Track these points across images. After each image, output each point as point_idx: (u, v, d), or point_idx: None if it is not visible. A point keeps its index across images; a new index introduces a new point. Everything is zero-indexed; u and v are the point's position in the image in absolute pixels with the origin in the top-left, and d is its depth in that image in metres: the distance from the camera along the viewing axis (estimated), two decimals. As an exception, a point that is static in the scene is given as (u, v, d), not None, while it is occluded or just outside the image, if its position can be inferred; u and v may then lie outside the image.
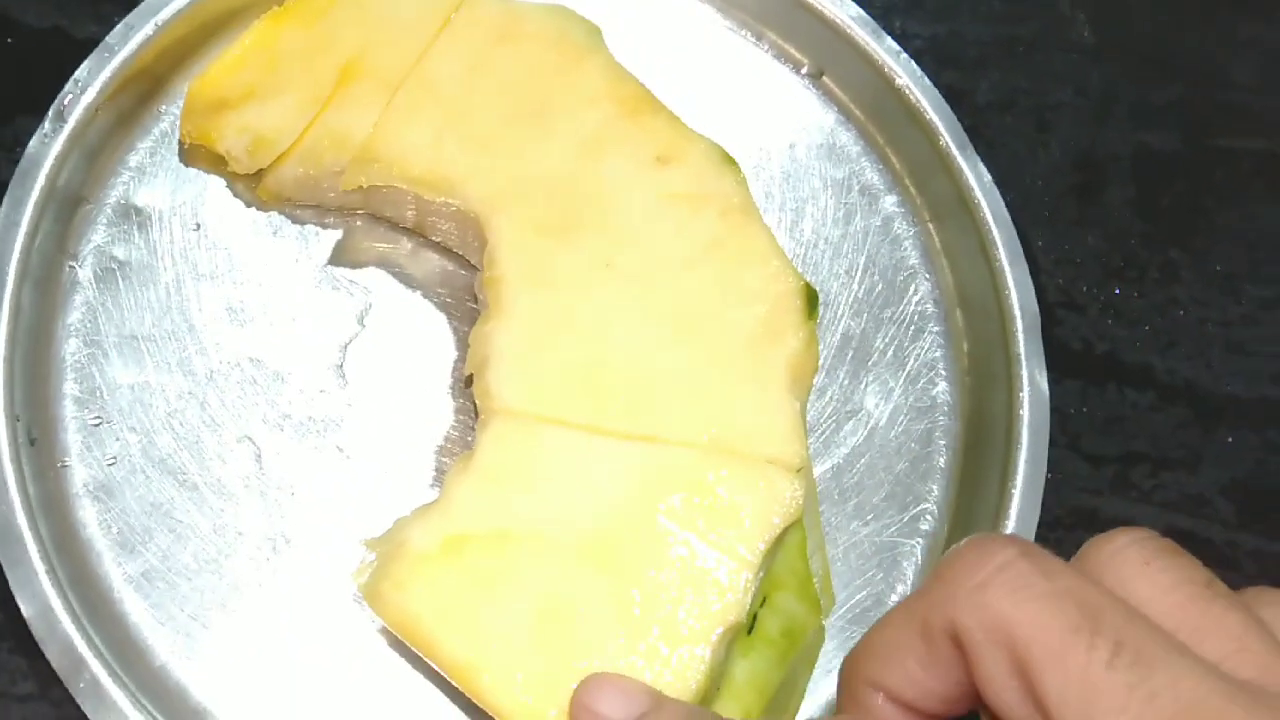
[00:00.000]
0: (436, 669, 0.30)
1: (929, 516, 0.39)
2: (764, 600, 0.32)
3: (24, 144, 0.37)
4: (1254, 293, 0.45)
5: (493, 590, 0.29)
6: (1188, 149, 0.46)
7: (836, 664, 0.35)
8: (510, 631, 0.29)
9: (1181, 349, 0.44)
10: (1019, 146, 0.45)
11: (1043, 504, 0.37)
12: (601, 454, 0.31)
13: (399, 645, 0.35)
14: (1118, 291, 0.44)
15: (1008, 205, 0.40)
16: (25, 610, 0.33)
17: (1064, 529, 0.40)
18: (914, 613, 0.25)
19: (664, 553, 0.30)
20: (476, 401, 0.33)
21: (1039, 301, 0.39)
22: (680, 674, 0.28)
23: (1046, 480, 0.38)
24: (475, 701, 0.29)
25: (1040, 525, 0.38)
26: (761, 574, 0.30)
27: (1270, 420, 0.43)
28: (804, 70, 0.43)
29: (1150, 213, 0.45)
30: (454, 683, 0.29)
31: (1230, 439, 0.43)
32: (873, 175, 0.42)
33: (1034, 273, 0.40)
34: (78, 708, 0.33)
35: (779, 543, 0.31)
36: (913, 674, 0.26)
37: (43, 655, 0.34)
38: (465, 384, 0.36)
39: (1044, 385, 0.38)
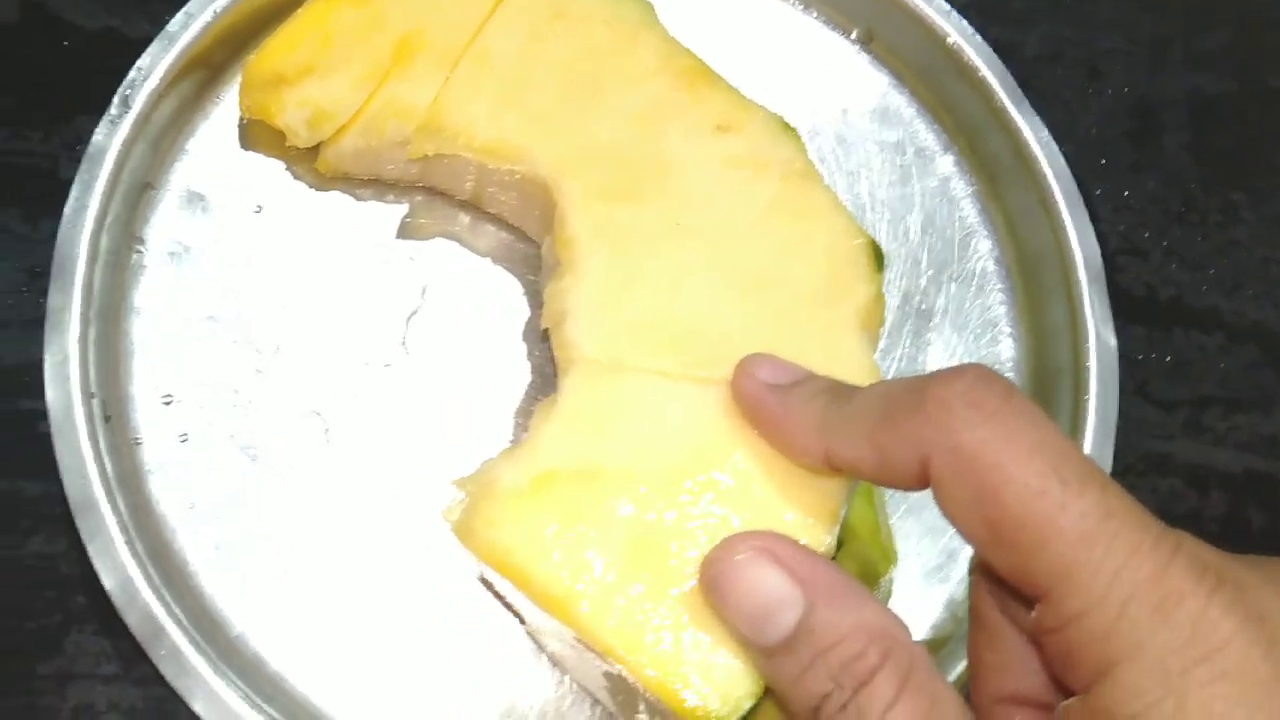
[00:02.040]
0: (530, 604, 0.30)
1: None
2: (840, 545, 0.32)
3: (85, 142, 0.38)
4: None
5: (584, 524, 0.29)
6: (1242, 91, 0.46)
7: (907, 614, 0.36)
8: (604, 562, 0.29)
9: (1247, 290, 0.43)
10: (1071, 97, 0.45)
11: (1115, 452, 0.37)
12: (679, 397, 0.31)
13: (476, 600, 0.35)
14: (1179, 235, 0.44)
15: (1064, 156, 0.40)
16: (106, 581, 0.34)
17: (1136, 475, 0.40)
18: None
19: (746, 488, 0.30)
20: (555, 353, 0.34)
21: (1101, 250, 0.39)
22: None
23: (1119, 427, 0.37)
24: (573, 631, 0.29)
25: (1115, 473, 0.38)
26: (843, 513, 0.30)
27: None
28: (854, 35, 0.44)
29: (1207, 156, 0.45)
30: (550, 615, 0.29)
31: None
32: (927, 136, 0.42)
33: (1093, 220, 0.40)
34: (161, 686, 0.34)
35: (853, 488, 0.31)
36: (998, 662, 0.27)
37: (125, 636, 0.34)
38: (542, 337, 0.36)
39: (1111, 338, 0.38)
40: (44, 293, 0.36)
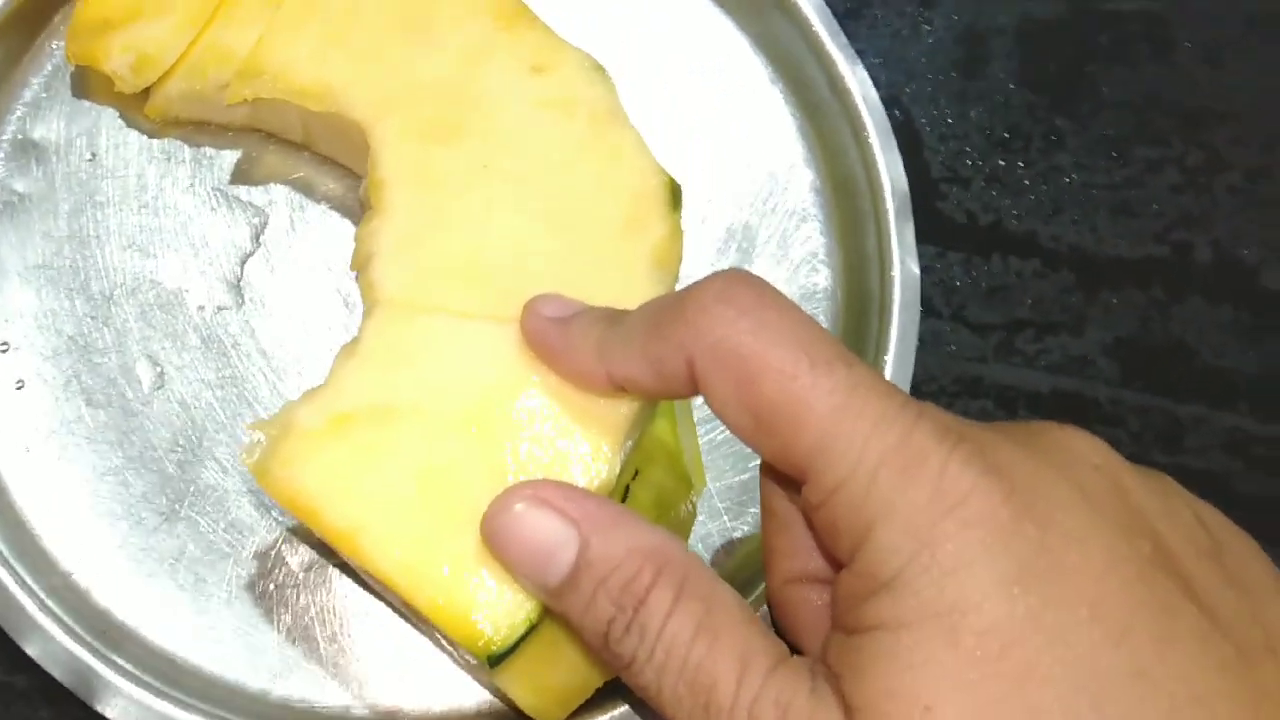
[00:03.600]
0: (328, 543, 0.31)
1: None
2: (636, 473, 0.33)
3: None
4: (1141, 154, 0.45)
5: (376, 461, 0.31)
6: (1071, 14, 0.47)
7: (712, 542, 0.38)
8: (393, 497, 0.30)
9: (1067, 215, 0.44)
10: (902, 25, 0.46)
11: (929, 374, 0.39)
12: (477, 337, 0.32)
13: (298, 541, 0.37)
14: (1002, 163, 0.45)
15: (890, 86, 0.41)
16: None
17: (949, 396, 0.41)
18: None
19: (536, 423, 0.31)
20: (361, 295, 0.35)
21: (924, 178, 0.40)
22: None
23: (933, 351, 0.39)
24: (359, 565, 0.30)
25: (927, 395, 0.40)
26: (629, 443, 0.31)
27: (1154, 278, 0.44)
28: (679, -32, 0.44)
29: (1035, 83, 0.46)
30: (340, 552, 0.30)
31: (1114, 300, 0.43)
32: (751, 70, 0.43)
33: (918, 150, 0.40)
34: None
35: (645, 418, 0.32)
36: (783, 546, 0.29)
37: None
38: (356, 281, 0.37)
39: (915, 267, 0.39)
40: None
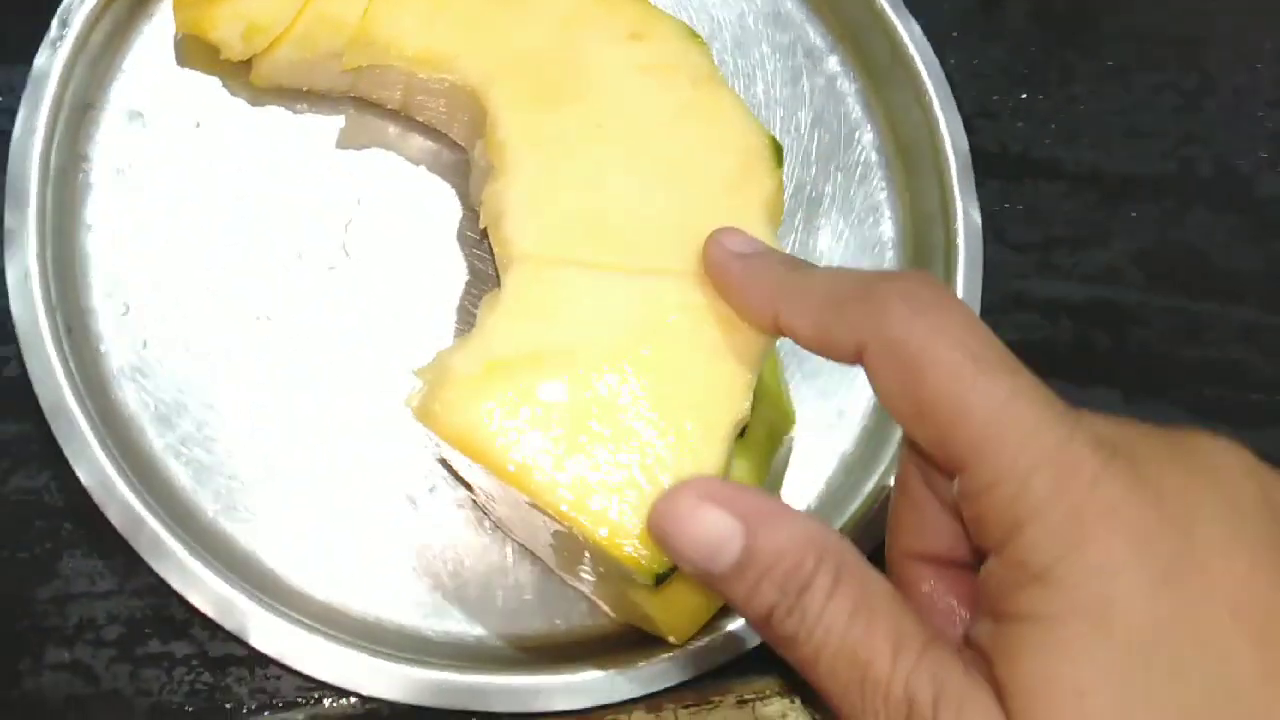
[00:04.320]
0: (484, 476, 0.34)
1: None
2: (752, 410, 0.36)
3: (3, 95, 0.40)
4: (1143, 80, 0.50)
5: (532, 402, 0.33)
6: None
7: (805, 468, 0.41)
8: (551, 435, 0.33)
9: (1085, 139, 0.49)
10: None
11: (980, 295, 0.43)
12: (611, 285, 0.35)
13: (424, 478, 0.39)
14: (1024, 96, 0.49)
15: (920, 28, 0.45)
16: (84, 479, 0.36)
17: (999, 313, 0.45)
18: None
19: (677, 360, 0.34)
20: (495, 250, 0.37)
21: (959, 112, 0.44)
22: (699, 461, 0.33)
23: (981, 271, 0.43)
24: (527, 497, 0.33)
25: (980, 314, 0.43)
26: (756, 375, 0.34)
27: (1166, 192, 0.49)
28: (748, -54, 0.47)
29: (1046, 22, 0.50)
30: (507, 485, 0.33)
31: (1134, 213, 0.48)
32: (815, 38, 0.47)
33: (951, 86, 0.44)
34: (155, 595, 0.37)
35: (767, 352, 0.35)
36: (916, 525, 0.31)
37: (113, 554, 0.37)
38: (481, 236, 0.39)
39: (977, 217, 0.43)
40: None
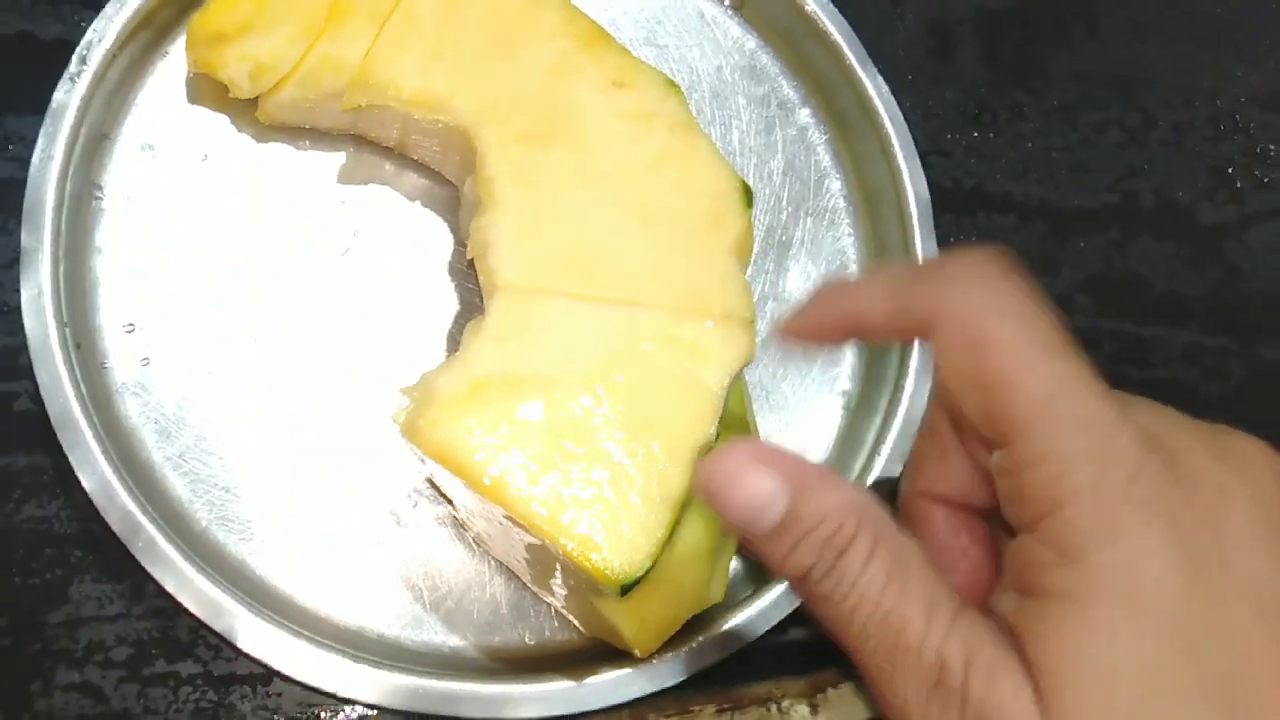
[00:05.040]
0: (464, 491, 0.36)
1: (844, 377, 0.46)
2: (717, 436, 0.39)
3: (14, 144, 0.42)
4: (1088, 118, 0.54)
5: (511, 422, 0.35)
6: (1017, 4, 0.55)
7: None
8: (529, 453, 0.35)
9: (1034, 175, 0.52)
10: (879, 20, 0.53)
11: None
12: (590, 315, 0.37)
13: (408, 496, 0.41)
14: (976, 134, 0.52)
15: (880, 74, 0.47)
16: (87, 484, 0.38)
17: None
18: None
19: (648, 386, 0.36)
20: (481, 279, 0.39)
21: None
22: (664, 480, 0.35)
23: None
24: (504, 510, 0.35)
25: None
26: (723, 404, 0.37)
27: (1111, 223, 0.52)
28: (727, 3, 0.50)
29: (995, 65, 0.54)
30: (485, 499, 0.35)
31: (1082, 244, 0.51)
32: (789, 91, 0.50)
33: (909, 126, 0.47)
34: (161, 617, 0.39)
35: (735, 382, 0.38)
36: (939, 471, 0.32)
37: (122, 578, 0.39)
38: (468, 267, 0.42)
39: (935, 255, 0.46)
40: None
